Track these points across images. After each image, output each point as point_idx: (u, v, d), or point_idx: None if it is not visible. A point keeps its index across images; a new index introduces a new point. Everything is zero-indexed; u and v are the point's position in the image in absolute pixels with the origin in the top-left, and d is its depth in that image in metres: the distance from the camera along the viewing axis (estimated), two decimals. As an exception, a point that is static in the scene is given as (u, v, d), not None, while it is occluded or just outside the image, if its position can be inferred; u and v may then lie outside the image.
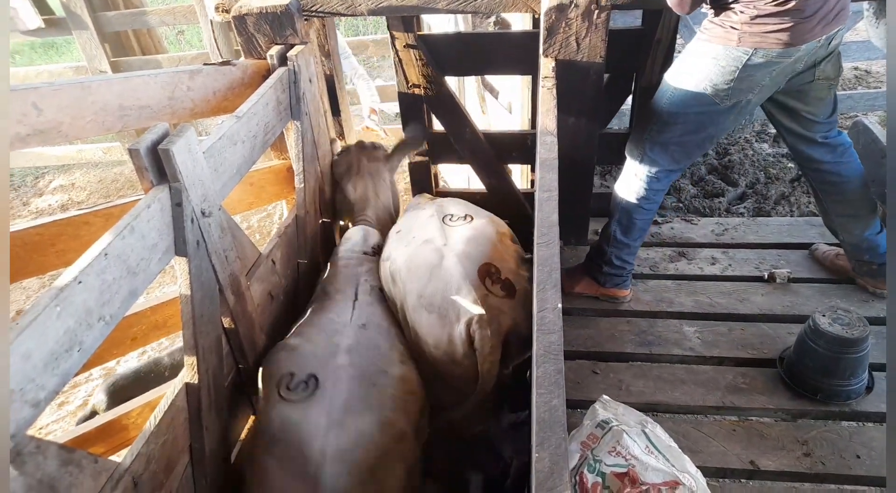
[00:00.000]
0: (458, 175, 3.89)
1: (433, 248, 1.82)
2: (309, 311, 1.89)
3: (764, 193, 4.09)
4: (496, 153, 2.64)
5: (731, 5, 1.77)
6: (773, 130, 4.84)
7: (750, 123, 5.01)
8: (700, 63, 1.89)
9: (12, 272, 1.70)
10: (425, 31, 2.49)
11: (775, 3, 1.70)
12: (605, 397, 1.73)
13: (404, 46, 2.38)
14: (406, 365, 1.72)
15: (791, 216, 3.77)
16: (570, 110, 2.18)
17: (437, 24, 3.59)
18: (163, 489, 1.40)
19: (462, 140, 2.60)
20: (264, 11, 2.03)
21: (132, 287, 1.23)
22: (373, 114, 3.41)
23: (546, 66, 2.04)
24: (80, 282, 1.08)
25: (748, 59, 1.79)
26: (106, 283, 1.15)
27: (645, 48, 2.34)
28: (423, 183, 2.83)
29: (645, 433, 1.51)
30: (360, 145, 2.45)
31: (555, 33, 2.02)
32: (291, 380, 1.58)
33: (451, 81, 4.02)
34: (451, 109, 2.53)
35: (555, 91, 1.91)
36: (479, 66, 2.65)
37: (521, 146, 2.64)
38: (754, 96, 1.90)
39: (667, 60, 2.37)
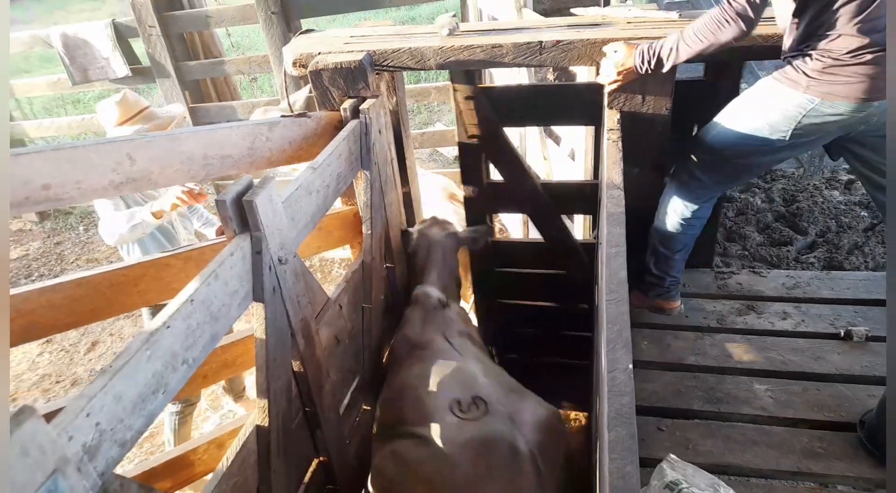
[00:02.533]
0: (515, 221, 3.92)
1: None
2: (407, 363, 2.04)
3: (836, 243, 3.94)
4: (554, 203, 2.65)
5: (808, 51, 1.75)
6: (845, 178, 4.68)
7: (819, 170, 4.86)
8: (764, 101, 1.88)
9: (98, 311, 1.81)
10: (486, 83, 2.56)
11: (852, 53, 1.67)
12: (672, 456, 1.67)
13: (465, 98, 2.44)
14: (535, 402, 1.85)
15: (866, 269, 3.61)
16: (636, 162, 2.18)
17: (501, 74, 3.68)
18: (231, 530, 1.43)
19: (520, 190, 2.62)
20: (339, 66, 2.13)
21: (213, 332, 1.29)
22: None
23: (611, 118, 2.06)
24: (168, 327, 1.14)
25: (812, 108, 1.76)
26: (191, 328, 1.21)
27: (708, 99, 2.33)
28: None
29: (717, 498, 1.45)
30: (434, 220, 2.66)
31: (619, 88, 2.04)
32: (460, 404, 1.72)
33: (513, 131, 4.10)
34: (510, 160, 2.57)
35: (620, 144, 1.92)
36: (539, 117, 2.69)
37: (580, 197, 2.65)
38: (815, 141, 1.87)
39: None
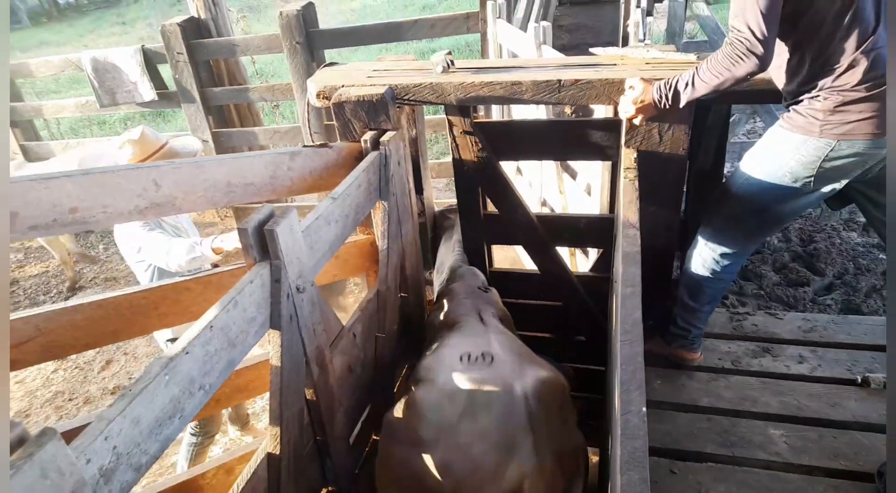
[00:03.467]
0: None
1: None
2: (445, 330, 2.11)
3: (853, 285, 3.90)
4: (549, 236, 2.64)
5: (815, 92, 1.74)
6: (863, 219, 4.66)
7: (837, 211, 4.84)
8: (780, 151, 1.88)
9: (118, 332, 1.83)
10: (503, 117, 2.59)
11: (864, 86, 1.66)
12: (685, 500, 1.65)
13: (461, 132, 2.47)
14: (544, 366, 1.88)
15: (885, 313, 3.57)
16: (652, 200, 2.19)
17: (520, 108, 3.72)
18: (238, 558, 1.42)
19: (515, 222, 2.63)
20: (361, 99, 2.18)
21: (230, 358, 1.30)
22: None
23: (628, 156, 2.08)
24: (187, 352, 1.16)
25: (830, 151, 1.76)
26: (209, 354, 1.22)
27: (696, 136, 2.35)
28: (477, 263, 2.85)
29: (730, 546, 1.43)
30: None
31: (638, 125, 2.07)
32: (469, 357, 1.80)
33: (532, 164, 4.13)
34: (505, 193, 2.57)
35: (637, 183, 1.94)
36: (554, 151, 2.70)
37: (574, 230, 2.67)
38: (839, 184, 1.86)
39: (720, 146, 2.38)
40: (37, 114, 5.94)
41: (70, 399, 4.11)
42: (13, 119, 5.78)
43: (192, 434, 2.95)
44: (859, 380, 2.28)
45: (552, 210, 3.97)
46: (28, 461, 0.82)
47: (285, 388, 1.51)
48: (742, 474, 1.96)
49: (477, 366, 1.75)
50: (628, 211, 1.78)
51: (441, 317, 2.24)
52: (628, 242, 1.59)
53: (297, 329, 1.53)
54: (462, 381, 1.70)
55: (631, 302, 1.33)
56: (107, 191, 1.53)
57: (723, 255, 2.16)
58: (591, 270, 2.73)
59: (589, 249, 3.27)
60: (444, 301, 2.32)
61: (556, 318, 2.83)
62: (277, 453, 1.52)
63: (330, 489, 1.93)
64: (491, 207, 2.73)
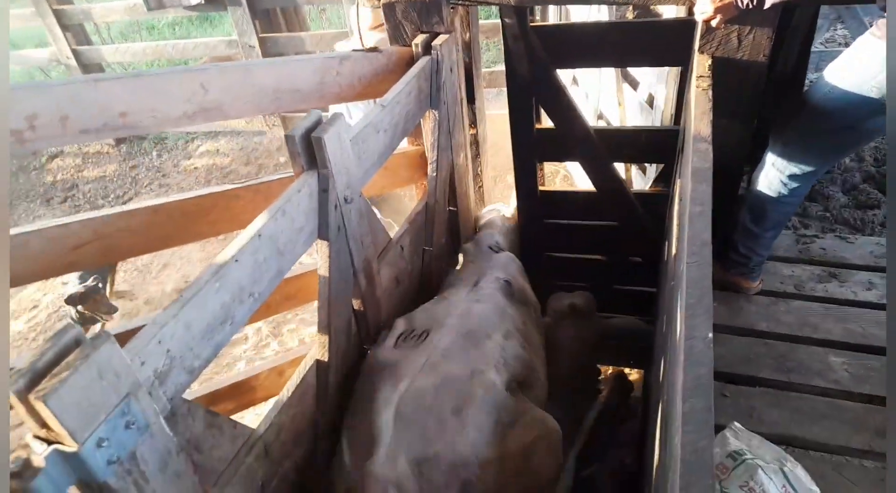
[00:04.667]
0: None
1: None
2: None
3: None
4: (608, 151, 2.50)
5: None
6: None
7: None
8: (867, 61, 1.69)
9: (171, 237, 1.85)
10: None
11: None
12: (736, 424, 1.62)
13: (516, 37, 2.29)
14: (512, 340, 1.78)
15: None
16: (724, 113, 2.02)
17: (579, 12, 3.48)
18: (289, 457, 1.48)
19: (571, 137, 2.48)
20: (414, 0, 2.04)
21: (279, 267, 1.29)
22: None
23: (702, 63, 1.90)
24: (237, 260, 1.14)
25: None
26: (258, 262, 1.21)
27: (778, 39, 2.12)
28: (529, 181, 2.74)
29: (783, 472, 1.40)
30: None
31: (715, 28, 1.88)
32: (409, 334, 1.73)
33: (589, 72, 3.89)
34: (561, 104, 2.41)
35: (710, 92, 1.78)
36: (617, 56, 2.50)
37: (635, 144, 2.49)
38: None
39: (803, 51, 2.15)
40: (86, 17, 5.89)
41: (131, 300, 4.31)
42: (64, 23, 5.77)
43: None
44: (932, 310, 2.15)
45: (608, 123, 3.78)
46: (84, 362, 0.83)
47: (333, 298, 1.50)
48: (797, 400, 1.90)
49: (406, 345, 1.70)
50: (700, 123, 1.64)
51: (447, 281, 2.19)
52: (699, 158, 1.47)
53: (344, 240, 1.50)
54: (384, 356, 1.66)
55: (700, 222, 1.24)
56: (156, 95, 1.50)
57: (792, 176, 2.01)
58: (651, 187, 2.59)
59: (647, 165, 3.13)
60: (460, 262, 2.26)
61: (613, 239, 2.72)
62: (326, 360, 1.54)
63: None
64: (545, 121, 2.58)
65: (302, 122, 1.34)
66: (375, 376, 1.62)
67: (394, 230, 2.10)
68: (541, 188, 2.75)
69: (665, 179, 2.53)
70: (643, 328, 2.55)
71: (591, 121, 4.01)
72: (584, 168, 2.59)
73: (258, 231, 1.20)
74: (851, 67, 1.77)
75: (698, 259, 1.12)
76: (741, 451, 1.46)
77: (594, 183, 2.60)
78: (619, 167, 3.01)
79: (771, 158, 2.05)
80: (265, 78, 1.70)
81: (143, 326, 1.00)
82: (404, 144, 2.42)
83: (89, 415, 0.84)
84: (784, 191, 2.04)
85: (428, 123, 2.10)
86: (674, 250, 1.60)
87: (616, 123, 3.49)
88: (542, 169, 2.77)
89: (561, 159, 2.76)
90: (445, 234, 2.34)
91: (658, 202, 2.50)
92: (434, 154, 2.10)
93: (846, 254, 2.47)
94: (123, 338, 0.97)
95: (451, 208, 2.37)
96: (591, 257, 2.85)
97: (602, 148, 2.48)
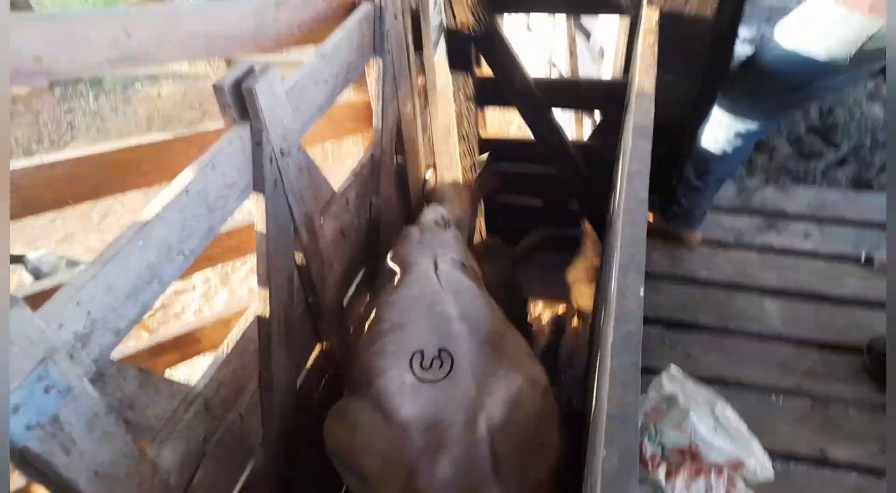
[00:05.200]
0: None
1: None
2: (386, 289, 1.74)
3: (867, 160, 3.75)
4: (548, 101, 2.46)
5: None
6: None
7: (863, 81, 4.56)
8: (818, 25, 1.69)
9: (100, 189, 1.77)
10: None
11: None
12: (673, 368, 1.67)
13: None
14: (513, 329, 1.63)
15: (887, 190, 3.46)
16: (670, 68, 2.00)
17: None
18: (232, 411, 1.47)
19: (510, 86, 2.43)
20: (354, -63, 1.93)
21: (210, 224, 1.24)
22: None
23: (650, 17, 1.88)
24: (162, 218, 1.09)
25: (877, 32, 1.57)
26: (186, 219, 1.16)
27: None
28: (470, 128, 2.70)
29: (714, 414, 1.46)
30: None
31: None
32: (423, 358, 1.45)
33: (543, 20, 3.82)
34: (501, 52, 2.36)
35: (656, 48, 1.76)
36: (566, 3, 2.44)
37: (573, 94, 2.48)
38: (876, 64, 1.70)
39: (737, 12, 2.14)
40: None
41: (71, 249, 4.17)
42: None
43: None
44: (863, 258, 2.24)
45: (560, 73, 3.73)
46: (-9, 329, 0.78)
47: (272, 253, 1.47)
48: (733, 344, 1.98)
49: (431, 376, 1.40)
50: (644, 79, 1.63)
51: (391, 262, 1.90)
52: (641, 114, 1.46)
53: (282, 194, 1.46)
54: (414, 407, 1.36)
55: (638, 180, 1.24)
56: (73, 40, 1.39)
57: (737, 134, 2.02)
58: (589, 138, 2.59)
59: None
60: (398, 242, 1.97)
61: (551, 185, 2.74)
62: (267, 315, 1.51)
63: (323, 346, 1.97)
64: (486, 69, 2.51)
65: (231, 72, 1.27)
66: (431, 430, 1.33)
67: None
68: (481, 135, 2.70)
69: (604, 131, 2.52)
70: (549, 235, 2.61)
71: (544, 69, 3.96)
72: (523, 117, 2.55)
73: (185, 187, 1.15)
74: (804, 29, 1.75)
75: (634, 217, 1.12)
76: (675, 394, 1.52)
77: (533, 133, 2.56)
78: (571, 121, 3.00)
79: (717, 116, 2.05)
80: (195, 23, 1.59)
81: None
82: (352, 97, 2.35)
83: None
84: (728, 148, 2.06)
85: (372, 72, 2.03)
86: (617, 204, 1.61)
87: (567, 73, 3.46)
88: (483, 115, 2.73)
89: (500, 105, 2.71)
90: (393, 185, 2.30)
91: (595, 153, 2.51)
92: (379, 104, 2.04)
93: (785, 204, 2.55)
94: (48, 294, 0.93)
95: (398, 159, 2.32)
96: (530, 203, 2.85)
97: (542, 98, 2.44)
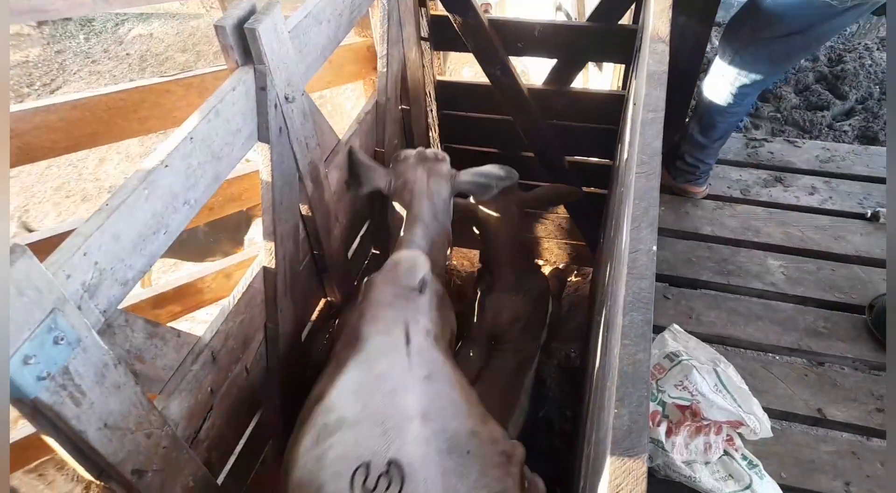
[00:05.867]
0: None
1: None
2: (350, 362, 1.39)
3: (875, 111, 3.70)
4: (503, 43, 2.34)
5: None
6: (901, 41, 4.30)
7: (876, 28, 4.44)
8: None
9: (97, 136, 1.72)
10: None
11: None
12: (675, 326, 1.68)
13: None
14: (490, 424, 1.38)
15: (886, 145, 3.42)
16: (683, 8, 1.93)
17: None
18: (239, 362, 1.47)
19: (465, 26, 2.29)
20: None
21: (216, 172, 1.21)
22: None
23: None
24: (166, 166, 1.06)
25: None
26: (191, 167, 1.13)
27: None
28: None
29: (716, 372, 1.47)
30: (422, 156, 1.98)
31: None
32: (368, 474, 1.18)
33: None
34: None
35: (673, -12, 1.68)
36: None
37: (529, 37, 2.33)
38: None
39: None
40: None
41: (67, 196, 4.11)
42: None
43: None
44: (868, 214, 2.23)
45: (568, 16, 3.61)
46: (-2, 279, 0.76)
47: (278, 203, 1.44)
48: (735, 302, 1.99)
49: None
50: (659, 22, 1.56)
51: (351, 330, 1.54)
52: (655, 60, 1.41)
53: (287, 143, 1.42)
54: None
55: (651, 129, 1.20)
56: (63, -27, 1.33)
57: (742, 86, 1.97)
58: (545, 82, 2.48)
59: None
60: (363, 298, 1.57)
61: (507, 133, 2.62)
62: (273, 267, 1.50)
63: (328, 299, 1.97)
64: (439, 9, 2.35)
65: (232, 10, 1.21)
66: None
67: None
68: (437, 78, 2.60)
69: (561, 75, 2.42)
70: (564, 191, 2.50)
71: (550, 13, 3.83)
72: (478, 60, 2.43)
73: (189, 134, 1.11)
74: None
75: (647, 169, 1.10)
76: (678, 352, 1.53)
77: (488, 76, 2.44)
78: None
79: (720, 68, 2.00)
80: (192, -44, 1.52)
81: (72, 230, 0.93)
82: (355, 40, 2.26)
83: (12, 333, 0.79)
84: (732, 100, 2.01)
85: (376, 13, 1.95)
86: (625, 155, 1.57)
87: (575, 17, 3.35)
88: (439, 58, 2.61)
89: (454, 49, 2.53)
90: (398, 134, 2.25)
91: (549, 97, 2.44)
92: (384, 48, 1.97)
93: (792, 158, 2.51)
94: (55, 242, 0.91)
95: (403, 107, 2.26)
96: (487, 150, 2.77)
97: (497, 39, 2.32)
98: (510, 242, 2.35)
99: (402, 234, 1.89)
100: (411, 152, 1.98)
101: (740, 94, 1.99)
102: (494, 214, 2.32)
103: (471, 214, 2.38)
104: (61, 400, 0.90)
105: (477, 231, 2.43)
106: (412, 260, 1.63)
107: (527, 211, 2.81)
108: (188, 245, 3.10)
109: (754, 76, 1.94)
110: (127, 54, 5.46)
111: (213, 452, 1.42)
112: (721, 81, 2.00)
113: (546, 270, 3.15)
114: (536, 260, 2.91)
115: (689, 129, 2.19)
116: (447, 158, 2.04)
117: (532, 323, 2.28)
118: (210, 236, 3.18)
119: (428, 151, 2.01)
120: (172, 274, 3.38)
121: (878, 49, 4.21)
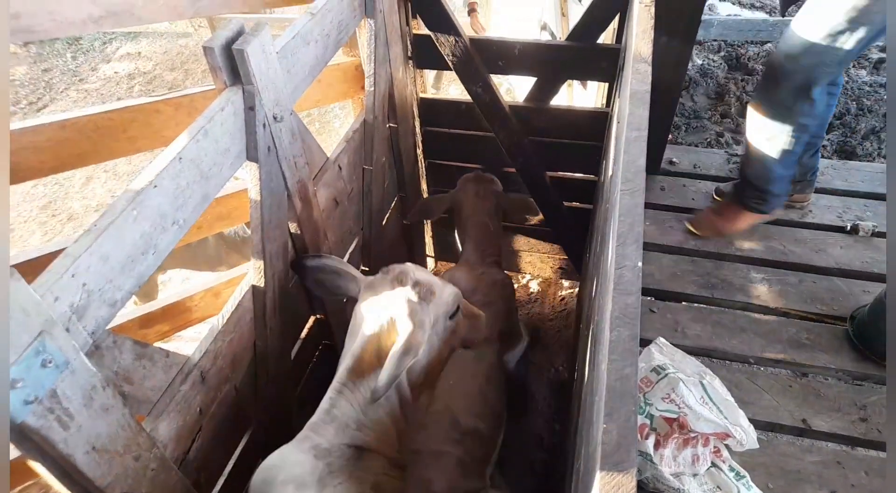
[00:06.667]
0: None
1: None
2: None
3: (852, 126, 3.78)
4: (484, 61, 2.37)
5: None
6: (875, 56, 4.40)
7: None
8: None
9: (84, 156, 1.72)
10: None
11: None
12: (661, 339, 1.70)
13: None
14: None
15: (879, 157, 3.50)
16: (665, 29, 1.98)
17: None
18: (228, 382, 1.46)
19: (446, 45, 2.33)
20: None
21: (205, 192, 1.22)
22: None
23: (647, -24, 1.84)
24: (155, 186, 1.07)
25: None
26: (180, 187, 1.14)
27: None
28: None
29: (702, 385, 1.49)
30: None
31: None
32: None
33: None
34: (436, 9, 2.24)
35: (653, 9, 1.73)
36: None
37: (510, 55, 2.36)
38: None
39: None
40: None
41: (53, 215, 4.08)
42: None
43: None
44: (848, 227, 2.27)
45: (552, 34, 3.67)
46: (-14, 301, 0.77)
47: (266, 222, 1.45)
48: (719, 314, 2.01)
49: None
50: (641, 43, 1.60)
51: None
52: (637, 80, 1.44)
53: (276, 161, 1.43)
54: None
55: (636, 147, 1.23)
56: (52, -5, 1.34)
57: (797, 131, 1.95)
58: (526, 99, 2.52)
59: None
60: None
61: (489, 149, 2.65)
62: (262, 285, 1.50)
63: (318, 316, 1.97)
64: (422, 28, 2.37)
65: (221, 31, 1.22)
66: None
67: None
68: (420, 95, 2.62)
69: (542, 93, 2.46)
70: (533, 207, 2.56)
71: (535, 32, 3.89)
72: (458, 76, 2.45)
73: (178, 154, 1.12)
74: (810, 13, 1.74)
75: (632, 186, 1.12)
76: (665, 365, 1.54)
77: (469, 93, 2.47)
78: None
79: (770, 125, 1.96)
80: (181, -21, 1.54)
81: (62, 250, 0.94)
82: (343, 59, 2.28)
83: (-1, 356, 0.79)
84: (791, 147, 1.99)
85: (364, 33, 1.98)
86: (610, 172, 1.60)
87: (560, 36, 3.40)
88: (422, 76, 2.64)
89: (436, 67, 2.56)
90: (385, 152, 2.27)
91: (531, 114, 2.47)
92: (371, 67, 1.99)
93: (774, 173, 2.55)
94: (42, 262, 0.90)
95: (390, 125, 2.29)
96: (470, 166, 2.78)
97: (479, 58, 2.35)
98: (480, 226, 2.42)
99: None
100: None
101: (799, 140, 1.99)
102: (472, 194, 2.44)
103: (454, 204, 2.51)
104: (48, 424, 0.89)
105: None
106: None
107: (510, 225, 2.85)
108: (199, 255, 3.07)
109: (807, 118, 1.93)
110: (115, 73, 5.46)
111: (203, 472, 1.41)
112: (780, 136, 1.98)
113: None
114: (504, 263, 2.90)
115: (760, 186, 2.12)
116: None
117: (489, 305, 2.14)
118: (220, 249, 3.14)
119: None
120: (184, 286, 3.35)
121: (853, 67, 4.31)
